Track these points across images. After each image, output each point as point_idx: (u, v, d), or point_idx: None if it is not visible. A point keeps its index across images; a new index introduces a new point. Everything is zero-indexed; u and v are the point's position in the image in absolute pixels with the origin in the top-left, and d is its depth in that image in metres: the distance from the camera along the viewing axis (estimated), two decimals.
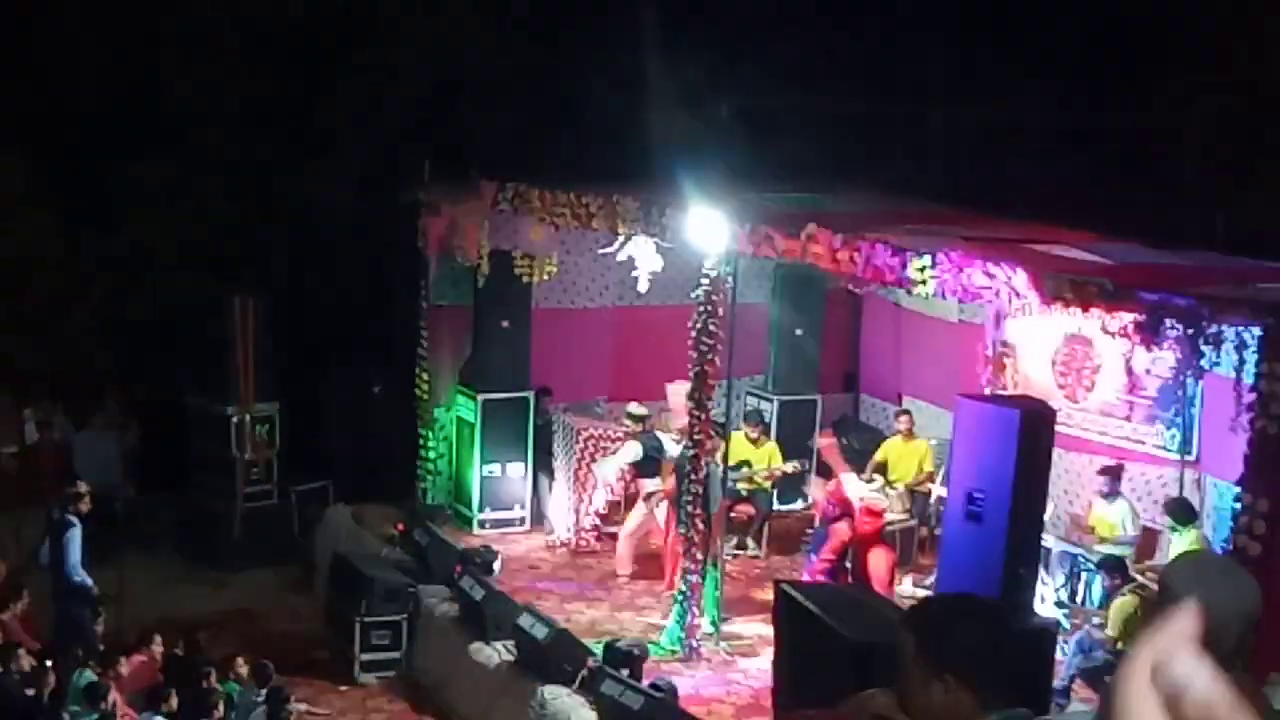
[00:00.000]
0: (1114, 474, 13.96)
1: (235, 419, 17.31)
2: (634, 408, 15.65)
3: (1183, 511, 12.89)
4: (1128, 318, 10.46)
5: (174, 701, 12.33)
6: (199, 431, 17.84)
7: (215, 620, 15.01)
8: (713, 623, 13.61)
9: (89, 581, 13.93)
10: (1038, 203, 13.41)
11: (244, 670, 13.21)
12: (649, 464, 15.25)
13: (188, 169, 18.12)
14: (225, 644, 14.11)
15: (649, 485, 15.20)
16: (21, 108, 17.71)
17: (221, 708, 12.41)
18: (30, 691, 12.50)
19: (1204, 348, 10.13)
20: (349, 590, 14.84)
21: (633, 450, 15.25)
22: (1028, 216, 13.09)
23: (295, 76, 18.39)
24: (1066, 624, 12.81)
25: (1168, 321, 10.01)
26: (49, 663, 12.84)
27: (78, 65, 18.13)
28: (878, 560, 13.61)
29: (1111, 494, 13.88)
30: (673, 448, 14.87)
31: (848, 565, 13.97)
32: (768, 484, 15.88)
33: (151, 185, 18.11)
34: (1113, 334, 11.10)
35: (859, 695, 3.68)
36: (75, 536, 13.80)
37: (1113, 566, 12.41)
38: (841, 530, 13.91)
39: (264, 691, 12.67)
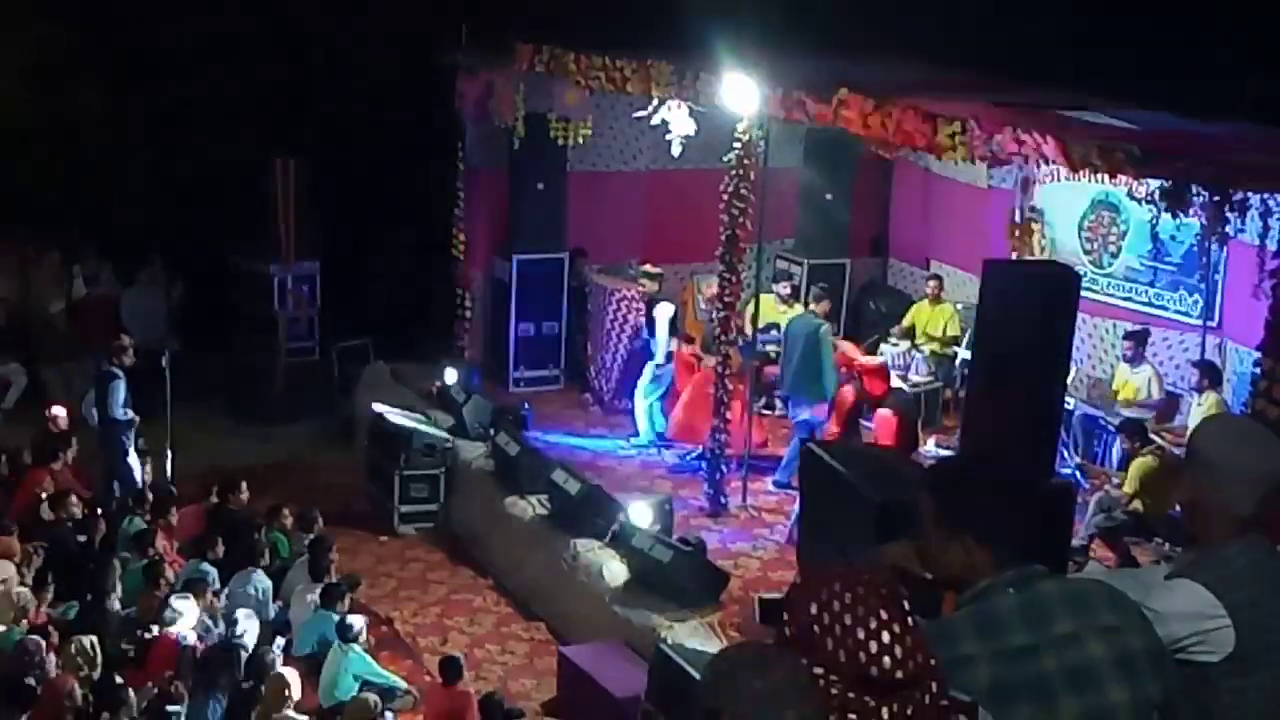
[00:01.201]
0: (1139, 339, 14.13)
1: (278, 277, 17.62)
2: (649, 268, 15.85)
3: (1210, 374, 13.09)
4: (1154, 184, 10.57)
5: (220, 549, 12.73)
6: (243, 289, 18.14)
7: (258, 472, 15.35)
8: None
9: (133, 415, 14.27)
10: (1067, 69, 13.42)
11: (289, 520, 13.60)
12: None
13: (230, 30, 18.20)
14: (268, 495, 14.46)
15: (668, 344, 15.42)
16: None
17: (267, 556, 12.83)
18: (82, 538, 12.93)
19: (1229, 214, 10.22)
20: (388, 444, 15.20)
21: (668, 311, 15.46)
22: (1057, 83, 13.12)
23: None
24: (1085, 484, 13.08)
25: (1194, 188, 10.10)
26: (99, 510, 13.27)
27: None
28: (883, 422, 13.89)
29: (1136, 359, 14.06)
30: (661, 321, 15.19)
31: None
32: None
33: (194, 47, 18.24)
34: (1139, 200, 11.22)
35: (880, 547, 3.82)
36: (119, 385, 14.11)
37: (1132, 429, 12.65)
38: (846, 394, 14.23)
39: (308, 540, 13.07)
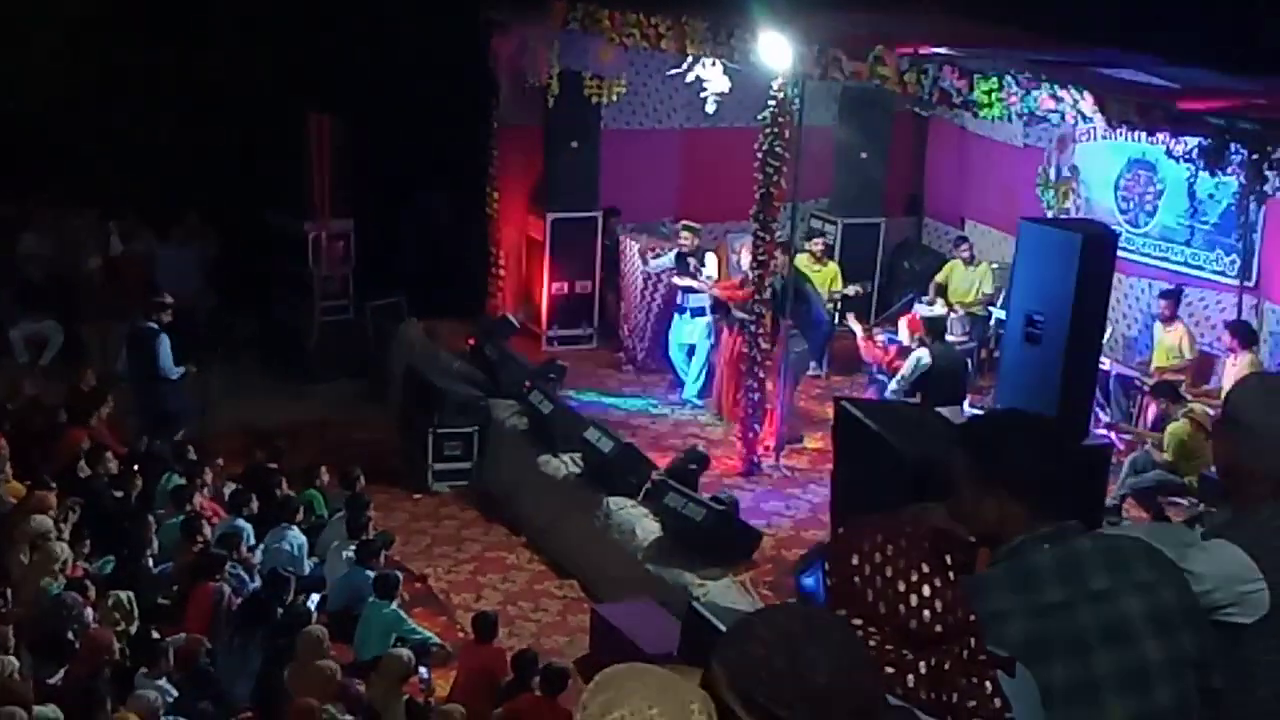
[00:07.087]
0: (1173, 298, 14.03)
1: (312, 235, 17.62)
2: (688, 223, 15.81)
3: (1243, 334, 12.99)
4: (1192, 142, 10.49)
5: (255, 506, 12.81)
6: (277, 246, 18.18)
7: (293, 430, 15.43)
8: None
9: (182, 370, 14.39)
10: (1105, 26, 13.29)
11: (325, 478, 13.67)
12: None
13: None
14: (303, 453, 14.54)
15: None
16: None
17: (301, 513, 12.90)
18: (118, 494, 13.03)
19: (1268, 173, 10.14)
20: (422, 402, 15.26)
21: (715, 260, 15.40)
22: (1095, 40, 13.01)
23: None
24: (1120, 444, 13.01)
25: (1232, 146, 10.03)
26: (135, 467, 13.36)
27: None
28: None
29: (1170, 318, 13.97)
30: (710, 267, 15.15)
31: None
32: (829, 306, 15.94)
33: (228, 3, 18.24)
34: (1177, 158, 11.14)
35: (914, 508, 3.72)
36: (164, 341, 14.24)
37: (1165, 392, 12.54)
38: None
39: (345, 497, 13.13)
